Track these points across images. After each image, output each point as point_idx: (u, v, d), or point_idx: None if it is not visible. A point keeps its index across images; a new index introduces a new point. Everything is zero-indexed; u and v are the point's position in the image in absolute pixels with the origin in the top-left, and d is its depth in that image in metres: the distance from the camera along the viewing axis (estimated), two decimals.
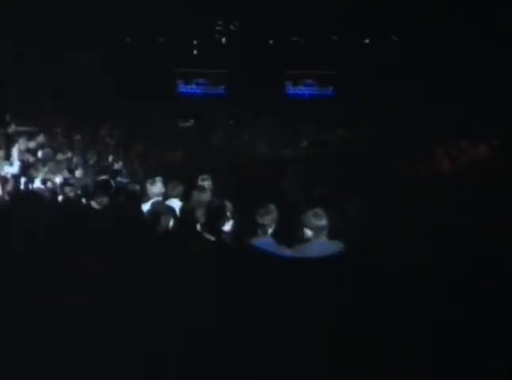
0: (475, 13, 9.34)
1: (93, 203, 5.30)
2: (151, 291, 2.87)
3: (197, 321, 2.68)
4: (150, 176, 7.98)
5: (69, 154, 8.46)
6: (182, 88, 13.89)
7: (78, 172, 7.64)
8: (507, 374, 2.39)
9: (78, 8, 9.57)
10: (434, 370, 2.47)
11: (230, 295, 2.79)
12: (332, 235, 3.92)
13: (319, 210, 3.91)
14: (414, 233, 3.52)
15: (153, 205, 4.95)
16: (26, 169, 7.08)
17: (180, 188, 5.32)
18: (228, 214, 4.68)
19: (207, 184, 5.71)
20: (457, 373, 2.46)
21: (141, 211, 4.83)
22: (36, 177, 6.47)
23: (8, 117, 9.37)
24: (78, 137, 9.97)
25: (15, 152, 8.06)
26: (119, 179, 7.32)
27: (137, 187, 5.85)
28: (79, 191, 6.36)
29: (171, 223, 4.37)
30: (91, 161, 8.49)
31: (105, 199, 5.23)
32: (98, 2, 9.62)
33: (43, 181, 6.31)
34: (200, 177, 5.81)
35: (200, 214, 4.38)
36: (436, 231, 3.52)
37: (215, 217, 4.33)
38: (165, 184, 5.47)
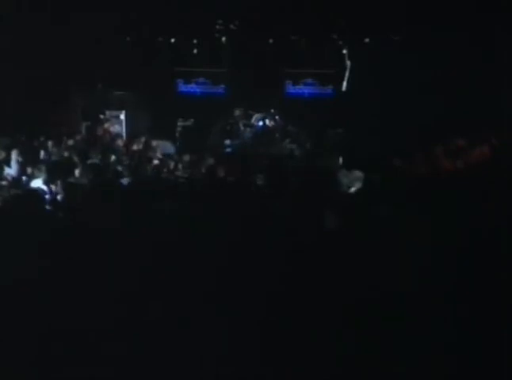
0: (476, 12, 9.34)
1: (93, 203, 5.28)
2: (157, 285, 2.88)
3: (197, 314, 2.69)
4: (151, 174, 8.03)
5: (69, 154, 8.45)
6: (182, 87, 13.89)
7: (78, 172, 7.61)
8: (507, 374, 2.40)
9: (77, 8, 9.56)
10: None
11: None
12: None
13: None
14: (413, 233, 3.53)
15: None
16: (27, 169, 7.06)
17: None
18: None
19: None
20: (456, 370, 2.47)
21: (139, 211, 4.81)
22: (38, 177, 6.45)
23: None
24: (77, 137, 9.98)
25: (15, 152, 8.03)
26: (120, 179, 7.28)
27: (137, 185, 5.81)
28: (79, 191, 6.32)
29: None
30: (91, 161, 8.47)
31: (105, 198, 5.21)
32: (98, 2, 9.60)
33: (46, 182, 6.29)
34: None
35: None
36: (435, 231, 3.52)
37: None
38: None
